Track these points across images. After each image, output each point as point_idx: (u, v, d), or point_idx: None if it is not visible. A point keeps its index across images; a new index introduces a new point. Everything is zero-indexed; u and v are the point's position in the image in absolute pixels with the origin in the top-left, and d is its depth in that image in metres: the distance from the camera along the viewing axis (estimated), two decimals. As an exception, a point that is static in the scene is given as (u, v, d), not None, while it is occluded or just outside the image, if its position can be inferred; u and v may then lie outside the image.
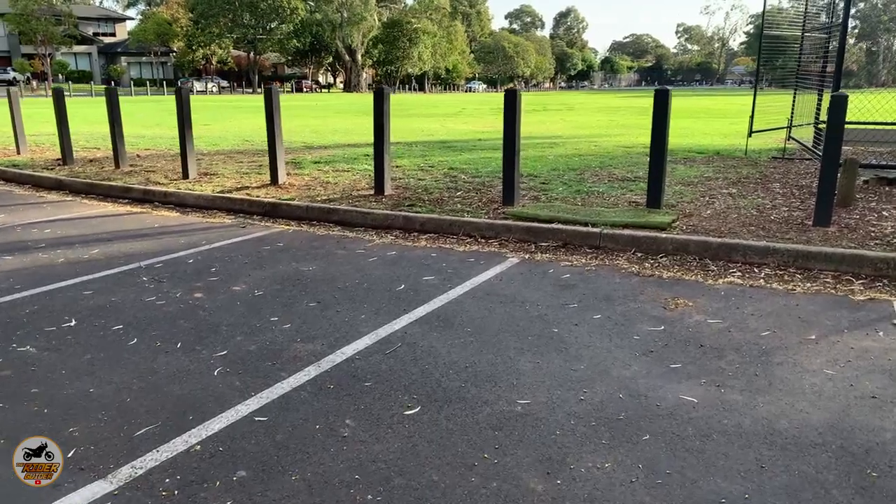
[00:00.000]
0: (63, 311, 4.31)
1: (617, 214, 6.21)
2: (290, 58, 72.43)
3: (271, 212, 7.28)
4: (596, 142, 13.55)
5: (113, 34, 68.73)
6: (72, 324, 4.11)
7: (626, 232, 5.65)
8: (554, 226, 5.95)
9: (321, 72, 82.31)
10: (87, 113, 24.32)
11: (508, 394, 3.11)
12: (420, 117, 24.67)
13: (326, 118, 23.67)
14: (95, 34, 66.89)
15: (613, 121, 21.40)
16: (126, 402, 3.12)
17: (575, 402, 3.02)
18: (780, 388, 3.11)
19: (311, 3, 67.22)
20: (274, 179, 8.28)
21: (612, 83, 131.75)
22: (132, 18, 75.86)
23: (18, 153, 11.61)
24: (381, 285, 4.79)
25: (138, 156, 11.45)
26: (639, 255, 5.45)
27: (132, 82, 57.73)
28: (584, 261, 5.34)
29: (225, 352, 3.68)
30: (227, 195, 7.75)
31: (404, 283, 4.84)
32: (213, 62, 65.39)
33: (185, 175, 8.93)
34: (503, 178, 6.82)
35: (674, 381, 3.21)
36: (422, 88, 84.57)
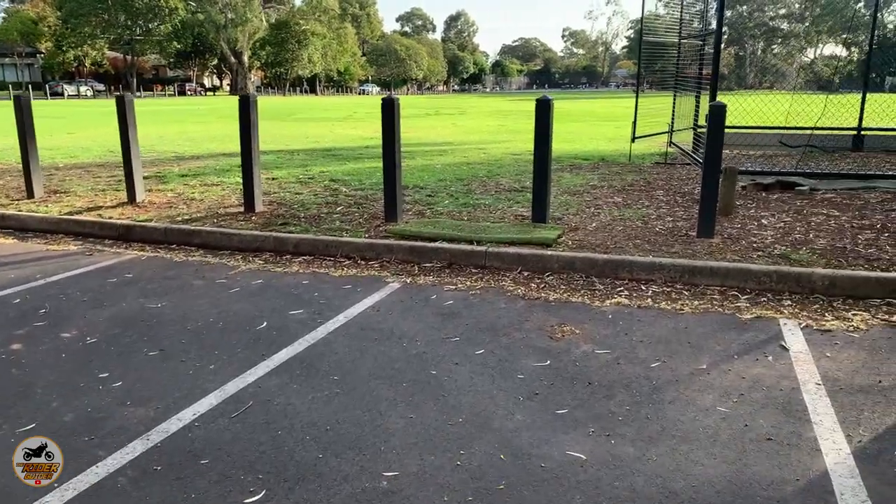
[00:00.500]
0: None
1: (503, 230, 5.90)
2: (172, 60, 68.83)
3: (125, 235, 6.48)
4: (485, 149, 13.36)
5: (-33, 32, 62.70)
6: None
7: (512, 250, 5.34)
8: (438, 244, 5.56)
9: (206, 74, 78.84)
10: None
11: (373, 464, 2.66)
12: (308, 122, 23.81)
13: (207, 123, 22.37)
14: (-54, 32, 60.80)
15: (503, 126, 21.46)
16: None
17: (450, 470, 2.60)
18: (673, 435, 2.83)
19: (193, 4, 64.11)
20: (131, 198, 7.43)
21: (503, 86, 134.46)
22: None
23: None
24: (240, 324, 4.21)
25: (-22, 171, 10.15)
26: (525, 274, 5.14)
27: (-7, 85, 52.92)
28: (469, 283, 4.97)
29: (33, 425, 3.01)
30: (75, 217, 6.85)
31: (267, 319, 4.28)
32: (87, 64, 61.06)
33: (30, 194, 7.90)
34: (384, 194, 6.37)
35: (560, 432, 2.87)
36: (313, 91, 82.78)
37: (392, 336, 3.97)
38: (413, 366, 3.57)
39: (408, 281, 5.05)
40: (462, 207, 7.06)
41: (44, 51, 59.17)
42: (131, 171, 7.34)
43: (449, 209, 6.96)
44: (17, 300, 4.73)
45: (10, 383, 3.43)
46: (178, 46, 64.05)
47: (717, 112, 5.40)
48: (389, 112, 6.05)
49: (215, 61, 73.04)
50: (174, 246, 6.20)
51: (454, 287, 4.89)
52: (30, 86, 53.00)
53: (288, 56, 72.95)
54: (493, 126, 21.12)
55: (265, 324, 4.20)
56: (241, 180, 8.54)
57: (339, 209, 7.02)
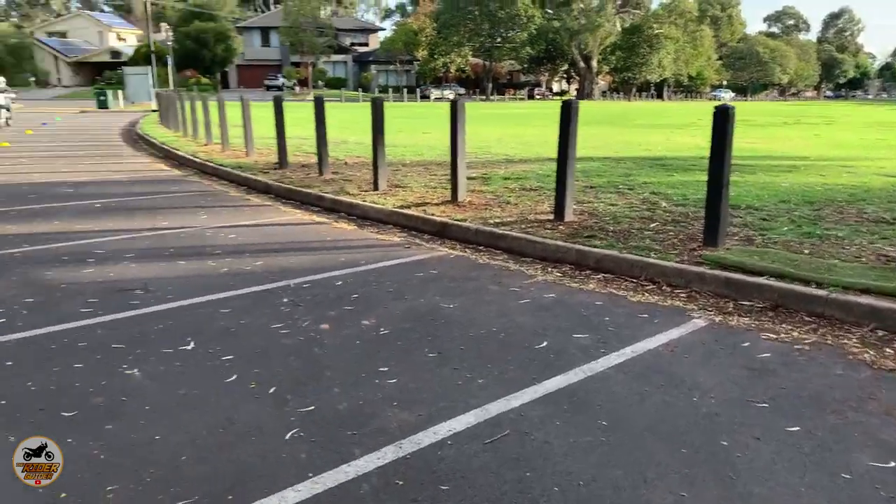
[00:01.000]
0: (189, 332, 4.17)
1: (855, 272, 4.74)
2: (525, 65, 73.19)
3: (441, 232, 6.82)
4: (851, 167, 11.26)
5: (366, 44, 74.99)
6: (189, 347, 3.93)
7: (865, 300, 4.23)
8: (763, 280, 4.69)
9: (556, 79, 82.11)
10: (332, 117, 26.34)
11: (622, 547, 2.20)
12: (645, 128, 23.04)
13: (545, 127, 23.07)
14: (352, 44, 73.51)
15: (883, 140, 18.01)
16: (180, 461, 2.76)
17: (718, 586, 2.03)
18: None
19: (550, 11, 67.20)
20: (454, 196, 7.84)
21: (891, 93, 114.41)
22: (383, 29, 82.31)
23: (247, 155, 12.62)
24: (520, 339, 4.02)
25: (346, 163, 11.80)
26: (880, 334, 4.03)
27: (378, 89, 62.37)
28: (796, 334, 4.06)
29: (312, 408, 3.20)
30: (404, 210, 7.46)
31: (548, 339, 4.02)
32: (452, 70, 68.25)
33: (376, 187, 8.86)
34: (706, 212, 5.63)
35: (895, 577, 2.05)
36: (660, 96, 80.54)
37: (682, 385, 3.39)
38: (700, 428, 2.96)
39: (717, 320, 4.33)
40: (804, 237, 5.91)
41: (420, 58, 67.70)
42: (456, 172, 7.74)
43: (786, 238, 5.89)
44: (340, 283, 5.23)
45: (309, 363, 3.73)
46: (531, 52, 67.80)
47: None
48: (723, 121, 5.30)
49: (565, 66, 75.60)
50: (482, 247, 6.32)
51: (775, 336, 4.03)
52: (405, 89, 61.23)
53: (637, 61, 72.13)
54: (868, 140, 17.86)
55: (545, 343, 3.95)
56: (558, 186, 8.44)
57: (652, 225, 6.44)
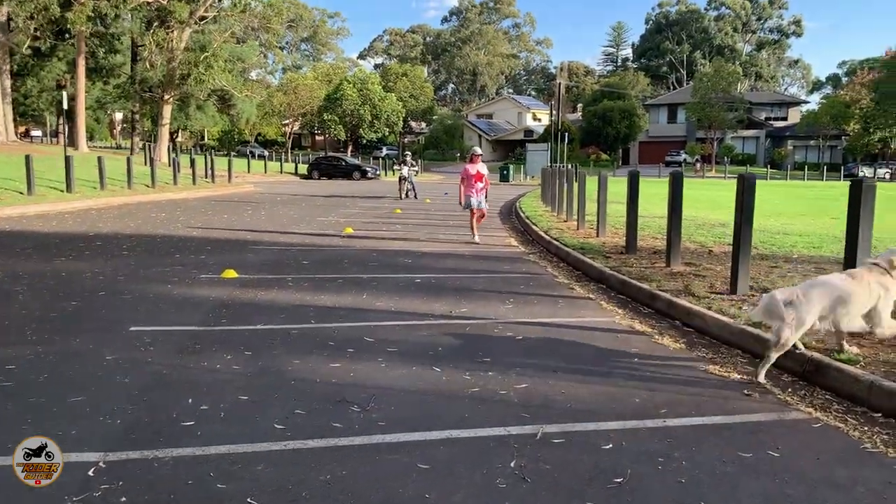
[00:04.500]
0: (351, 494, 2.94)
1: None
2: None
3: (811, 375, 4.44)
4: None
5: (784, 118, 67.94)
6: None
7: None
8: None
9: None
10: (727, 196, 23.67)
11: None
12: None
13: None
14: (767, 118, 67.46)
15: None
16: None
17: None
18: None
19: None
20: (845, 319, 5.24)
21: None
22: (807, 102, 74.02)
23: (597, 236, 11.32)
24: None
25: (710, 251, 9.61)
26: None
27: (791, 165, 55.61)
28: None
29: None
30: (758, 332, 5.18)
31: None
32: (892, 146, 57.21)
33: (733, 289, 6.65)
34: None
35: None
36: None
37: None
38: None
39: None
40: None
41: (850, 132, 58.44)
42: (852, 283, 5.16)
43: None
44: (608, 446, 3.45)
45: None
46: None
47: None
48: None
49: None
50: (878, 418, 3.80)
51: None
52: (825, 166, 53.21)
53: None
54: None
55: None
56: None
57: None
